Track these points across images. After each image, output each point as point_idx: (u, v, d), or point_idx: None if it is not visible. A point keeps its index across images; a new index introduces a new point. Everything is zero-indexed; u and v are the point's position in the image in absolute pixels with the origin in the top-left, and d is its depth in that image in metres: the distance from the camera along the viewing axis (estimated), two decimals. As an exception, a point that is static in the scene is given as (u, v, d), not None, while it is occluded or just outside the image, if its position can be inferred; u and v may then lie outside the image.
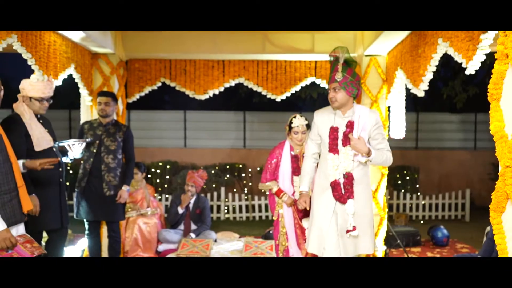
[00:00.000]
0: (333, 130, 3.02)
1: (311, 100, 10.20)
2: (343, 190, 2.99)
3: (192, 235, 5.44)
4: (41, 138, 3.53)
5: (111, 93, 4.33)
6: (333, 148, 3.01)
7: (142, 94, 5.45)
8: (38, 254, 2.66)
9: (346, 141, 2.97)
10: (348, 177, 2.98)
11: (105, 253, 4.60)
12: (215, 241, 5.54)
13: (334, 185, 3.00)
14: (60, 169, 3.70)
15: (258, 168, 9.60)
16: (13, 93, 3.70)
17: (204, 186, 8.40)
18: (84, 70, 4.67)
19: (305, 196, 3.15)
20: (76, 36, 4.11)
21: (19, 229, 2.76)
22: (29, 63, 3.45)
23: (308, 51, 5.03)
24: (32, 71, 3.79)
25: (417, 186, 9.09)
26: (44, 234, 3.74)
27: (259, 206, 8.42)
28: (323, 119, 3.10)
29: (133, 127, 9.91)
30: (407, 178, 9.03)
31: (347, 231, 2.99)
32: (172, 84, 5.42)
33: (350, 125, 2.98)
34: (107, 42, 4.70)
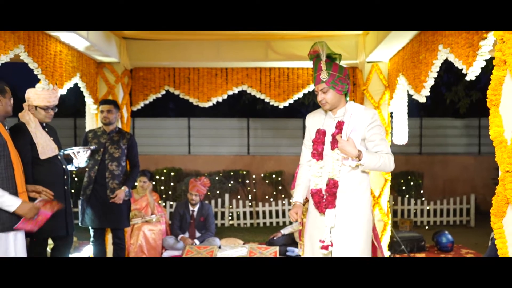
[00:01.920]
0: (318, 133, 2.71)
1: (314, 106, 10.25)
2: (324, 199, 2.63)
3: (197, 241, 5.47)
4: (46, 146, 3.57)
5: (112, 101, 4.38)
6: (314, 153, 2.70)
7: (147, 102, 5.50)
8: (58, 208, 2.91)
9: (334, 143, 2.61)
10: (329, 184, 2.60)
11: (110, 260, 4.64)
12: (219, 247, 5.56)
13: (313, 194, 2.69)
14: (65, 177, 3.74)
15: (262, 175, 9.62)
16: (19, 102, 3.75)
17: (208, 193, 8.42)
18: (90, 79, 4.73)
19: (296, 208, 2.74)
20: (81, 45, 4.17)
21: (18, 235, 2.79)
22: (35, 72, 3.50)
23: (310, 58, 5.06)
24: (37, 80, 3.85)
25: (422, 191, 9.08)
26: (50, 241, 3.78)
27: (263, 212, 8.42)
28: (314, 121, 2.79)
29: (137, 134, 9.99)
30: (411, 183, 9.02)
31: (322, 247, 2.58)
32: (176, 92, 5.47)
33: (339, 126, 2.64)
34: (112, 51, 4.76)
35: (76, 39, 3.92)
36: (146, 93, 5.44)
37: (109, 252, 4.64)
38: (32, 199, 3.32)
